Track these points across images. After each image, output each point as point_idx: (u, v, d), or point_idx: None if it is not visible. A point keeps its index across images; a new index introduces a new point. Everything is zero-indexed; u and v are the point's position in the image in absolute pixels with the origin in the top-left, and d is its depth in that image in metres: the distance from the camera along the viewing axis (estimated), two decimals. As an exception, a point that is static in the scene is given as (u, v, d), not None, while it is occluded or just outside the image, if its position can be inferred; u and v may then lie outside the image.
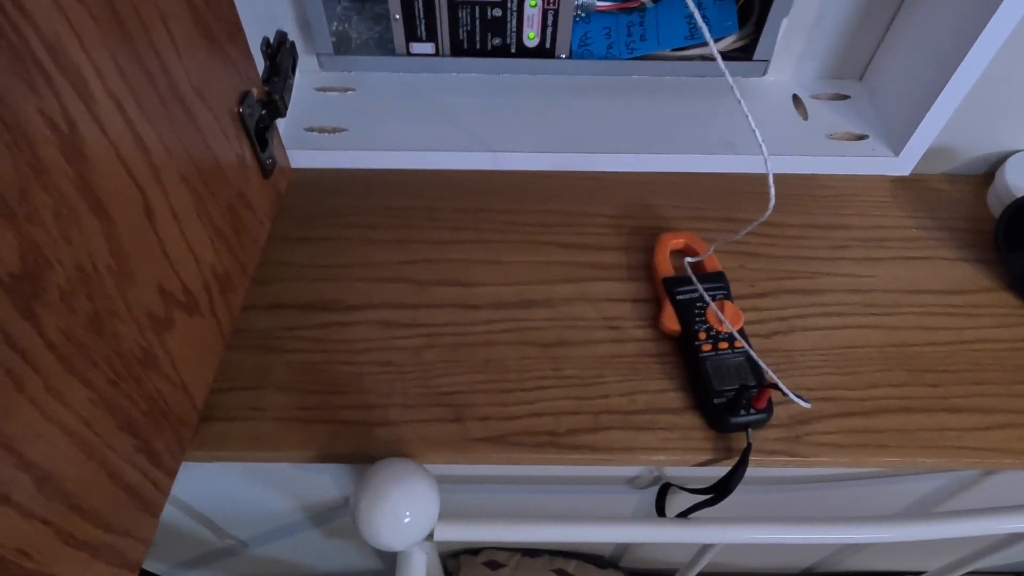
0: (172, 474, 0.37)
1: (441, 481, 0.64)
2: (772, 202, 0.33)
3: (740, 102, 0.32)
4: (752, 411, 0.48)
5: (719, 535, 0.51)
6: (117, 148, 0.30)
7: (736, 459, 0.47)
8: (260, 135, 0.45)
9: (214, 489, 0.63)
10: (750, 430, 0.48)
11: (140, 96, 0.31)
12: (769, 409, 0.48)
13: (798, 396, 0.40)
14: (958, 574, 0.65)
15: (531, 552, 0.77)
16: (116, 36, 0.29)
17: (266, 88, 0.45)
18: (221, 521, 0.69)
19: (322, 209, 0.60)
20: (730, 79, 0.30)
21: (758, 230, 0.60)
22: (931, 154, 0.62)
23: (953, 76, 0.49)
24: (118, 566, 0.32)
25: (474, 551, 0.76)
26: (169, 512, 0.67)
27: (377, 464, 0.46)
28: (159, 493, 0.36)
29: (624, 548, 0.82)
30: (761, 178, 0.62)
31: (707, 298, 0.49)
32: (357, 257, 0.57)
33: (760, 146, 0.31)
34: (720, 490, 0.48)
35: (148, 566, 0.81)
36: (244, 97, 0.42)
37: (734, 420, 0.48)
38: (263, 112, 0.45)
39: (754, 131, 0.31)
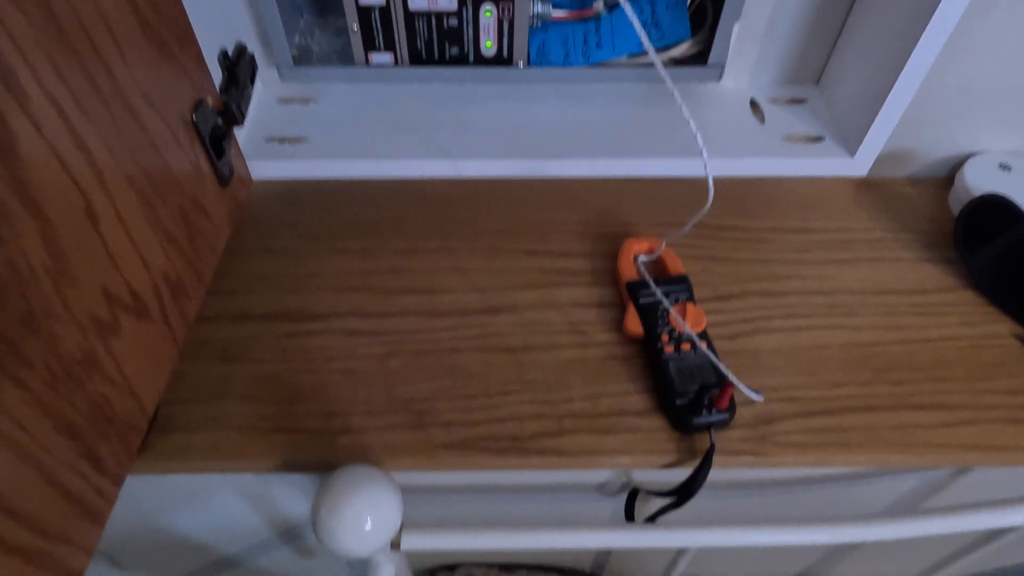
0: (118, 481, 0.37)
1: (409, 491, 0.63)
2: (711, 193, 0.33)
3: (674, 92, 0.33)
4: (715, 411, 0.47)
5: (690, 539, 0.50)
6: (55, 148, 0.30)
7: (699, 460, 0.47)
8: (216, 144, 0.45)
9: (181, 504, 0.62)
10: (713, 431, 0.48)
11: (81, 98, 0.32)
12: (732, 409, 0.48)
13: (751, 389, 0.40)
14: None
15: (508, 567, 0.76)
16: (52, 36, 0.29)
17: (223, 98, 0.45)
18: (188, 539, 0.68)
19: (286, 221, 0.60)
20: (670, 83, 0.30)
21: (722, 234, 0.60)
22: (893, 157, 0.63)
23: (899, 77, 0.50)
24: (56, 573, 0.32)
25: (450, 567, 0.75)
26: (144, 527, 0.66)
27: (337, 471, 0.46)
28: (103, 500, 0.35)
29: (604, 561, 0.81)
30: (726, 183, 0.63)
31: (665, 301, 0.50)
32: (322, 267, 0.57)
33: (695, 135, 0.32)
34: (683, 492, 0.47)
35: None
36: (198, 105, 0.42)
37: (697, 420, 0.47)
38: (219, 121, 0.45)
39: (688, 121, 0.31)
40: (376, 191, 0.62)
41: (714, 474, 0.47)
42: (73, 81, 0.31)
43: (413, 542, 0.51)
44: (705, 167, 0.32)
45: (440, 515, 0.65)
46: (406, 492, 0.64)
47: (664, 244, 0.50)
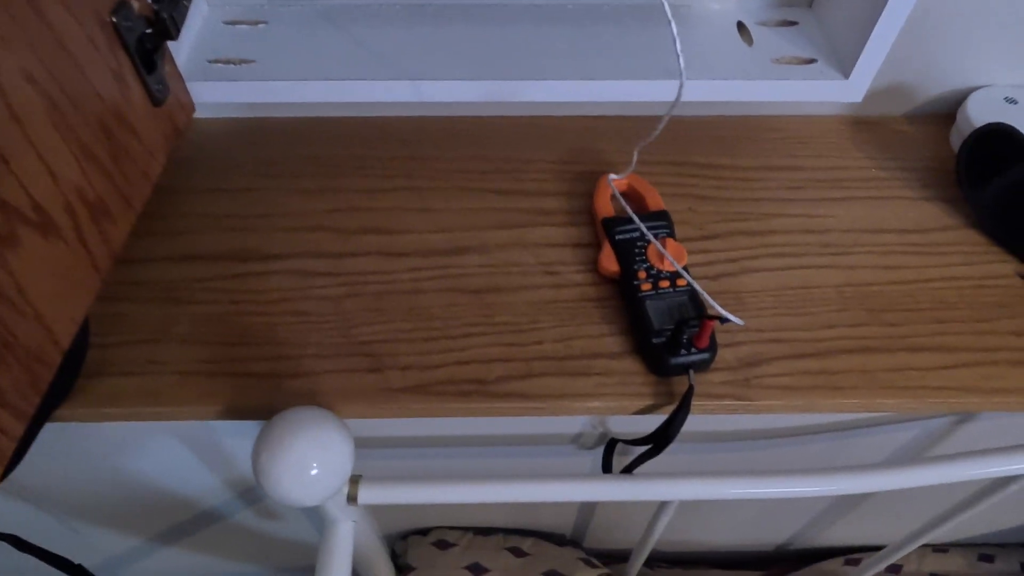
0: (23, 417, 0.33)
1: (370, 445, 0.60)
2: (683, 75, 0.29)
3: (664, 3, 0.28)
4: (694, 350, 0.44)
5: (671, 490, 0.47)
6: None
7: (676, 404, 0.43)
8: (145, 56, 0.41)
9: (131, 460, 0.58)
10: (692, 372, 0.44)
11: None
12: (712, 348, 0.44)
13: (732, 315, 0.36)
14: (915, 546, 0.61)
15: (484, 531, 0.72)
16: None
17: (154, 7, 0.41)
18: (144, 499, 0.65)
19: (241, 160, 0.56)
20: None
21: (709, 172, 0.56)
22: (891, 92, 0.59)
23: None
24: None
25: (423, 531, 0.72)
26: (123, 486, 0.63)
27: (280, 412, 0.42)
28: (3, 436, 0.31)
29: (585, 525, 0.78)
30: (713, 120, 0.59)
31: (647, 233, 0.46)
32: (277, 207, 0.53)
33: (667, 11, 0.28)
34: (660, 438, 0.44)
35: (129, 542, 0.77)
36: (119, 6, 0.38)
37: (674, 361, 0.44)
38: (148, 31, 0.41)
39: (665, 7, 0.27)
40: (337, 128, 0.58)
41: (697, 422, 0.44)
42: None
43: (371, 495, 0.47)
44: (675, 42, 0.28)
45: (404, 470, 0.61)
46: (367, 446, 0.61)
47: (636, 153, 0.47)
